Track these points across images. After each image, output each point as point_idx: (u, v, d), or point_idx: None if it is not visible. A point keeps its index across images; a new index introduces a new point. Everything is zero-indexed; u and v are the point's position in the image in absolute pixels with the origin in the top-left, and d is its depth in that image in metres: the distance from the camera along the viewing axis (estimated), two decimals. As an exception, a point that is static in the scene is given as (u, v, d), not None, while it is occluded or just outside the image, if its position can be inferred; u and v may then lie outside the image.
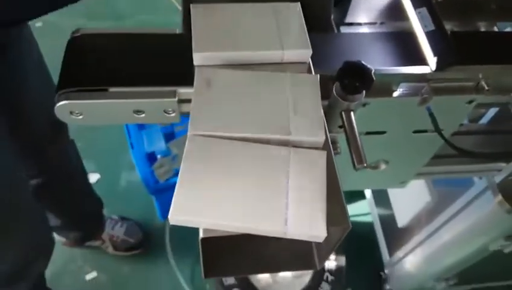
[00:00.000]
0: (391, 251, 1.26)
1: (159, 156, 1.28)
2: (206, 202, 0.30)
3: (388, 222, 1.28)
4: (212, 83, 0.38)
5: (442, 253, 1.02)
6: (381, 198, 1.35)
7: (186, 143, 0.34)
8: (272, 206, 0.31)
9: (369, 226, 1.40)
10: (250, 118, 0.36)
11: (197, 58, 0.40)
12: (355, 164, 0.40)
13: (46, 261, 1.01)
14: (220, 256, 0.37)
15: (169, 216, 0.30)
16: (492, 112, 0.81)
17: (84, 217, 1.23)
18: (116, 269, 1.31)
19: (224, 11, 0.43)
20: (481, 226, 0.87)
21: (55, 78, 0.87)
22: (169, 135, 1.31)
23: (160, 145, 1.31)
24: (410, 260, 1.15)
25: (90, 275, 1.29)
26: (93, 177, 1.43)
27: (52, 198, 1.09)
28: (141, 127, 1.30)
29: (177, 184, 0.31)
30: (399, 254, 1.19)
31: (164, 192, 1.24)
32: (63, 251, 1.30)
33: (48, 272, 1.21)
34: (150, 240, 1.33)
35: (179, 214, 0.30)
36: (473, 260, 0.99)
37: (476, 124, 0.81)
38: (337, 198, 0.34)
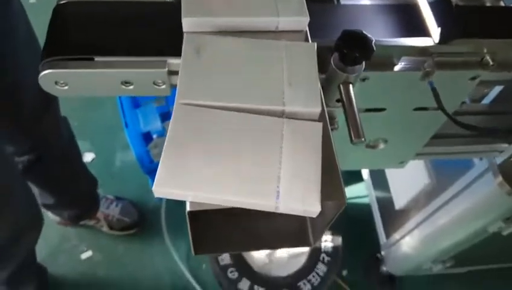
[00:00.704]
0: (388, 232, 1.26)
1: (154, 136, 1.26)
2: (193, 174, 0.29)
3: (385, 203, 1.27)
4: (201, 50, 0.36)
5: (440, 235, 1.01)
6: (378, 180, 1.34)
7: (173, 112, 0.32)
8: (263, 179, 0.29)
9: (367, 208, 1.39)
10: (242, 88, 0.34)
11: (186, 24, 0.38)
12: (353, 137, 0.38)
13: (35, 237, 1.00)
14: (210, 231, 0.35)
15: (153, 188, 0.28)
16: (495, 92, 0.79)
17: (79, 195, 1.22)
18: (111, 248, 1.30)
19: None
20: (480, 208, 0.86)
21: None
22: (165, 114, 1.29)
23: (156, 124, 1.28)
24: (407, 242, 1.14)
25: (86, 254, 1.29)
26: (88, 157, 1.42)
27: (45, 175, 1.07)
28: (136, 105, 1.28)
29: (162, 154, 0.29)
30: (396, 235, 1.19)
31: (159, 172, 1.22)
32: (57, 230, 1.30)
33: (43, 251, 1.20)
34: (145, 220, 1.33)
35: (164, 186, 0.28)
36: (471, 242, 0.99)
37: (478, 104, 0.79)
38: (333, 172, 0.32)
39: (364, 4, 0.55)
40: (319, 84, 0.35)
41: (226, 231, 0.36)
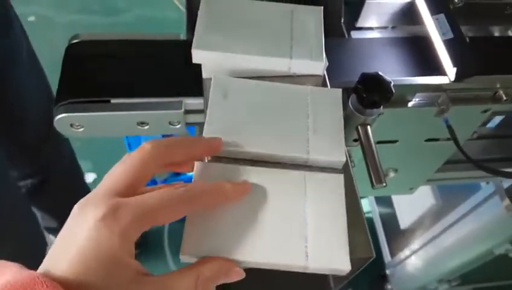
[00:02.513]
0: (393, 251, 1.25)
1: (157, 156, 1.25)
2: (219, 237, 0.28)
3: (390, 222, 1.27)
4: (229, 94, 0.35)
5: (445, 256, 1.01)
6: (383, 198, 1.34)
7: (195, 167, 0.31)
8: (291, 239, 0.29)
9: (370, 225, 1.39)
10: (267, 134, 0.33)
11: (196, 57, 0.37)
12: (374, 183, 0.38)
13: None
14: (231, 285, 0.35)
15: (180, 255, 0.27)
16: (500, 116, 0.80)
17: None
18: (114, 270, 1.29)
19: (236, 7, 0.41)
20: (487, 231, 0.86)
21: (48, 73, 0.83)
22: (168, 136, 1.29)
23: (158, 144, 1.28)
24: (413, 262, 1.14)
25: (88, 277, 1.27)
26: (89, 177, 1.40)
27: (49, 198, 1.06)
28: (139, 126, 1.27)
29: (186, 220, 0.29)
30: (401, 255, 1.18)
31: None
32: (59, 252, 1.28)
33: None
34: (148, 242, 1.31)
35: (190, 252, 0.27)
36: (477, 263, 0.98)
37: (484, 128, 0.79)
38: (359, 224, 0.32)
39: (374, 37, 0.56)
40: (343, 132, 0.34)
41: (247, 283, 0.36)
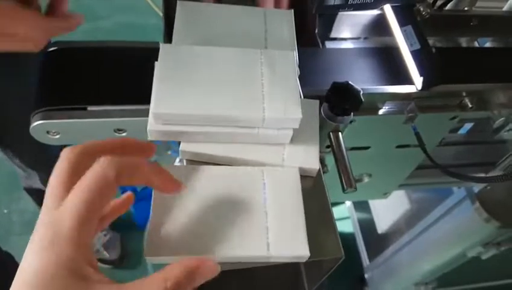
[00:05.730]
0: (371, 255, 1.27)
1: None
2: (183, 235, 0.29)
3: (368, 227, 1.29)
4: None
5: (421, 259, 1.03)
6: (360, 203, 1.36)
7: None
8: (253, 231, 0.30)
9: (349, 230, 1.41)
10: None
11: None
12: (345, 187, 0.39)
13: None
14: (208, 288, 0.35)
15: (144, 254, 0.28)
16: (471, 122, 0.83)
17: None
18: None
19: (212, 12, 0.42)
20: (459, 234, 0.89)
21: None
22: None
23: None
24: (390, 265, 1.16)
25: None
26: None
27: None
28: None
29: (149, 221, 0.30)
30: (379, 259, 1.21)
31: (141, 201, 1.22)
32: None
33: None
34: (128, 252, 1.30)
35: (154, 253, 0.28)
36: (452, 266, 1.01)
37: (456, 134, 0.82)
38: (329, 227, 0.33)
39: (347, 48, 0.57)
40: (318, 142, 0.36)
41: (223, 285, 0.37)
